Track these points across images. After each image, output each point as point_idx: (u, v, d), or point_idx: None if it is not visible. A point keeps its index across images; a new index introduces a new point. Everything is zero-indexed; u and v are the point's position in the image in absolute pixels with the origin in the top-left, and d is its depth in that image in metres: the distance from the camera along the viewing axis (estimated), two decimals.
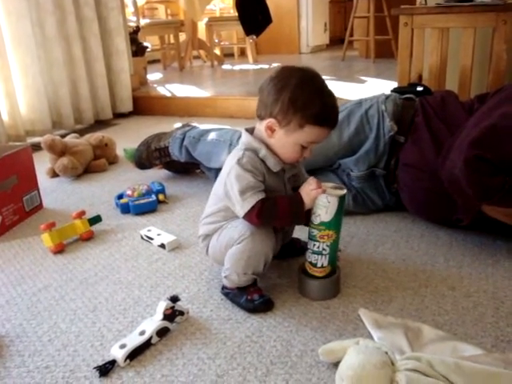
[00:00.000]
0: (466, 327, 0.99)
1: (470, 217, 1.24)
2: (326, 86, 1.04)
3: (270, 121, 1.02)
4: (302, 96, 0.99)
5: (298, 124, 1.00)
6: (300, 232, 1.32)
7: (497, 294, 1.10)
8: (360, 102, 1.50)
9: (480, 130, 1.17)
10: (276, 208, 1.02)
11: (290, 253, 1.26)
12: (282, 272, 1.22)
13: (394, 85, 2.34)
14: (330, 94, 1.04)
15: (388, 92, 1.58)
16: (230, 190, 1.03)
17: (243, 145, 1.07)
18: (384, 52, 4.89)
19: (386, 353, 0.83)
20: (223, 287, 1.12)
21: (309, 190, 1.02)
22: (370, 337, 0.95)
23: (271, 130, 1.03)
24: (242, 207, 1.01)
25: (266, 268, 1.09)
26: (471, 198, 1.18)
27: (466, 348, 0.91)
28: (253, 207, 1.00)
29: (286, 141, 1.03)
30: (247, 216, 1.01)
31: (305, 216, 1.04)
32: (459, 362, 0.82)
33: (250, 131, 1.09)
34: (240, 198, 1.01)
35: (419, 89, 1.57)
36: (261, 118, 1.05)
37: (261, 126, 1.06)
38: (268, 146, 1.05)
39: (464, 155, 1.15)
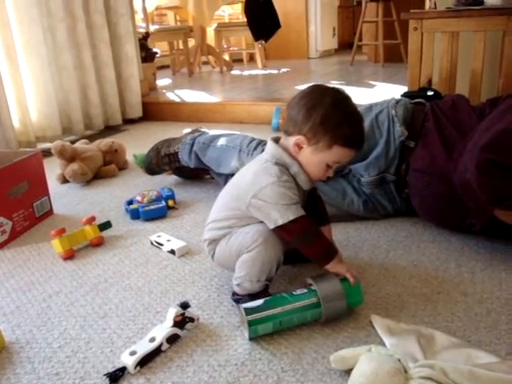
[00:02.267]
0: (480, 334, 0.98)
1: (483, 221, 1.23)
2: (356, 109, 1.05)
3: (299, 138, 1.03)
4: (333, 117, 1.00)
5: (326, 144, 1.01)
6: None
7: (510, 301, 1.08)
8: (370, 107, 1.49)
9: (492, 134, 1.16)
10: (317, 235, 1.04)
11: (300, 259, 1.25)
12: (293, 278, 1.21)
13: (404, 89, 2.33)
14: (359, 117, 1.05)
15: (398, 97, 1.57)
16: (268, 202, 1.02)
17: (272, 157, 1.06)
18: (393, 56, 4.88)
19: (399, 360, 0.82)
20: (234, 293, 1.11)
21: (341, 269, 1.04)
22: (383, 344, 0.94)
23: (299, 147, 1.04)
24: (282, 216, 1.00)
25: (277, 271, 1.09)
26: (483, 203, 1.16)
27: (480, 355, 0.90)
28: (296, 220, 1.00)
29: (312, 159, 1.04)
30: (286, 226, 1.01)
31: (323, 263, 1.05)
32: (473, 369, 0.80)
33: (276, 141, 1.10)
34: (282, 208, 1.01)
35: (429, 93, 1.56)
36: (288, 133, 1.06)
37: (287, 142, 1.06)
38: (299, 163, 1.06)
39: (476, 159, 1.14)
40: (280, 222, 1.01)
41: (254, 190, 1.03)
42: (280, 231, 1.03)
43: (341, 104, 1.03)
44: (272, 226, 1.03)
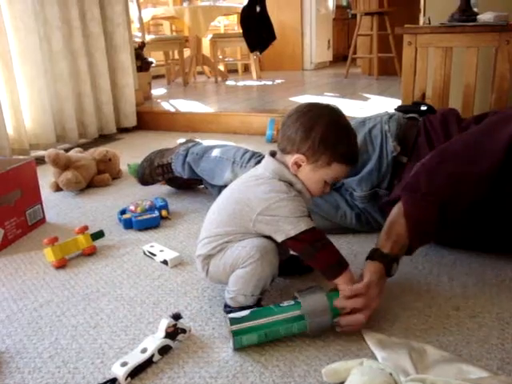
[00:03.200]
0: (471, 348, 0.98)
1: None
2: (350, 125, 1.08)
3: (299, 157, 1.05)
4: (331, 135, 1.03)
5: (326, 162, 1.04)
6: None
7: (502, 315, 1.09)
8: (363, 121, 1.49)
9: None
10: (329, 244, 1.04)
11: (294, 270, 1.26)
12: (285, 290, 1.21)
13: (397, 102, 2.35)
14: (354, 133, 1.09)
15: (392, 110, 1.58)
16: (280, 216, 1.02)
17: (275, 174, 1.07)
18: (387, 69, 4.93)
19: (391, 374, 0.82)
20: (226, 305, 1.11)
21: (345, 290, 1.01)
22: (374, 357, 0.94)
23: (297, 165, 1.06)
24: (295, 227, 1.01)
25: (271, 284, 1.10)
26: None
27: (472, 370, 0.90)
28: (309, 230, 1.01)
29: (312, 177, 1.06)
30: (298, 236, 1.01)
31: (335, 274, 1.03)
32: None
33: (272, 155, 1.11)
34: (295, 220, 1.01)
35: (423, 108, 1.57)
36: (286, 152, 1.07)
37: (284, 159, 1.07)
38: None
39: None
40: (292, 233, 1.01)
41: (261, 207, 1.03)
42: (290, 242, 1.03)
43: (337, 123, 1.06)
44: (282, 239, 1.02)
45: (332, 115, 1.06)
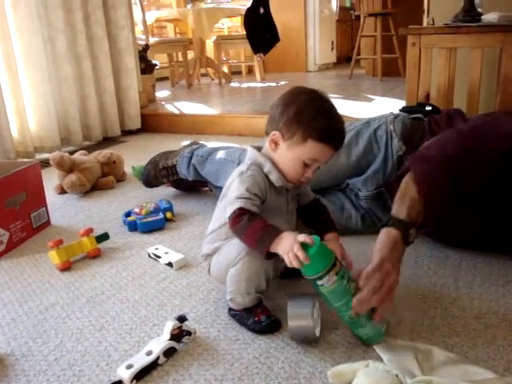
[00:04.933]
0: (478, 350, 0.98)
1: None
2: (333, 108, 1.05)
3: (275, 133, 1.03)
4: (308, 111, 1.01)
5: (301, 137, 1.01)
6: None
7: (508, 316, 1.08)
8: (368, 122, 1.50)
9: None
10: (249, 224, 0.97)
11: (298, 273, 1.25)
12: (290, 292, 1.20)
13: (401, 103, 2.34)
14: (336, 115, 1.05)
15: (396, 111, 1.58)
16: (231, 198, 1.02)
17: (249, 160, 1.08)
18: (391, 70, 4.91)
19: (397, 376, 0.82)
20: (230, 309, 1.11)
21: (292, 245, 0.93)
22: (380, 359, 0.94)
23: (275, 143, 1.04)
24: (231, 207, 0.99)
25: (268, 285, 1.08)
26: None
27: (478, 371, 0.89)
28: (234, 211, 0.98)
29: (288, 155, 1.03)
30: (229, 220, 0.99)
31: (266, 252, 0.96)
32: None
33: (257, 149, 1.11)
34: (234, 200, 1.00)
35: (428, 108, 1.57)
36: (267, 133, 1.07)
37: (266, 141, 1.07)
38: (273, 162, 1.06)
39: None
40: (227, 215, 0.99)
41: (228, 192, 1.05)
42: (229, 223, 1.00)
43: (316, 100, 1.04)
44: (227, 220, 1.01)
45: (313, 94, 1.05)
